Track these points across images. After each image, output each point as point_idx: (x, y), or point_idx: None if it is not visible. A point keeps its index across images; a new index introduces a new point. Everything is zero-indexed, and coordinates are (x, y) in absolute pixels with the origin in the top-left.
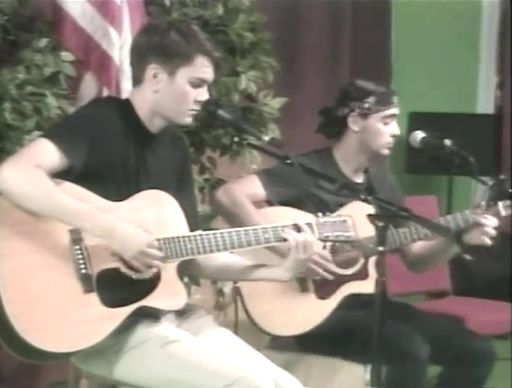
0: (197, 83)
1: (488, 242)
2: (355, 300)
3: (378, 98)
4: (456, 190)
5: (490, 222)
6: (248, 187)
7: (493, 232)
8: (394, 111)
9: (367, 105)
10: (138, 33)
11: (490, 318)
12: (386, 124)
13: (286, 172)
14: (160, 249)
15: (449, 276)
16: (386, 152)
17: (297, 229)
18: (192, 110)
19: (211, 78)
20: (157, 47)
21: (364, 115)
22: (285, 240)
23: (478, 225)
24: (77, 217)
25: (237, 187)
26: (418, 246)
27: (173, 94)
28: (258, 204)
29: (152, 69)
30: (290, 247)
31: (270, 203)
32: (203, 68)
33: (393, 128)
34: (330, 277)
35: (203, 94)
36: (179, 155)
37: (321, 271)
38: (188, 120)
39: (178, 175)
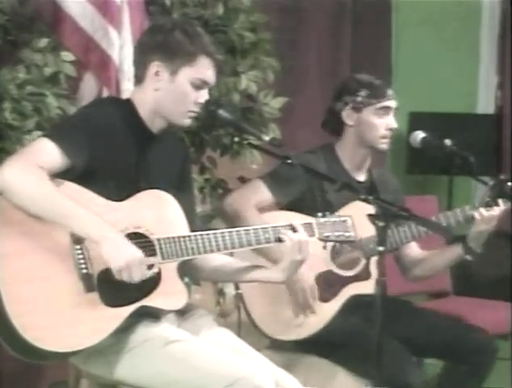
0: (198, 85)
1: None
2: (355, 306)
3: (370, 91)
4: (456, 190)
5: (488, 214)
6: (254, 194)
7: (493, 221)
8: (388, 103)
9: (359, 98)
10: (143, 33)
11: (490, 318)
12: (380, 116)
13: (289, 171)
14: (151, 265)
15: (449, 276)
16: (384, 146)
17: (293, 229)
18: (191, 111)
19: (212, 80)
20: (160, 45)
21: (357, 108)
22: (281, 241)
23: (480, 217)
24: (72, 222)
25: (242, 197)
26: (419, 252)
27: (173, 94)
28: (266, 208)
29: (154, 66)
30: (285, 248)
31: (279, 205)
32: (206, 69)
33: (389, 122)
34: (311, 308)
35: (204, 97)
36: (179, 156)
37: (302, 299)
38: (187, 122)
39: (177, 176)
